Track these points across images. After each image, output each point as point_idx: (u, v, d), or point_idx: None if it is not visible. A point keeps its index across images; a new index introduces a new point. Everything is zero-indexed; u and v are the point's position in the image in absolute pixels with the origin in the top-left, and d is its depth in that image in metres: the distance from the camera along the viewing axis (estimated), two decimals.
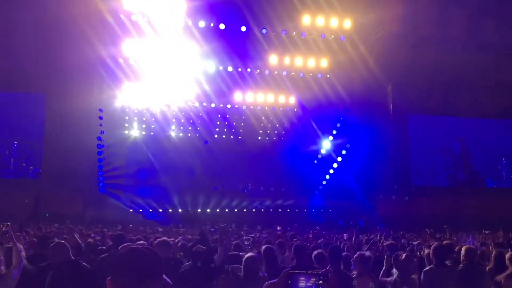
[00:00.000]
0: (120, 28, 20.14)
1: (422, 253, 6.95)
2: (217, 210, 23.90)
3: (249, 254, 5.16)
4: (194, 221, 19.35)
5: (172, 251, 6.24)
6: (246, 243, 8.05)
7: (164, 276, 2.13)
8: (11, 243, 5.52)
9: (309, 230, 14.90)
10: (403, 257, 5.67)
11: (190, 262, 5.72)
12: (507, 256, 5.60)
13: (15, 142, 21.95)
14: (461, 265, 5.49)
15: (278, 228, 13.86)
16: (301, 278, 2.56)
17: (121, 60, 20.95)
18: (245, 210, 24.33)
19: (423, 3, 22.43)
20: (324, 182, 25.26)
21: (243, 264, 4.97)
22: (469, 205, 23.25)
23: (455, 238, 10.70)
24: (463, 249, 5.71)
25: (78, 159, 19.91)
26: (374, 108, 23.88)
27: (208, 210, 23.75)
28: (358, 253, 5.83)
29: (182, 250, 6.90)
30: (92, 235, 8.48)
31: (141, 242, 6.29)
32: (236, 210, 24.16)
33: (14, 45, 19.38)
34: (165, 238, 6.62)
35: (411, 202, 24.16)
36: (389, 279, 5.76)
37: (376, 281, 5.60)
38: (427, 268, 5.50)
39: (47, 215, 19.76)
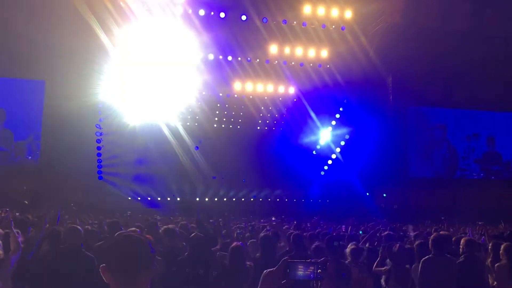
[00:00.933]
0: (120, 15, 20.01)
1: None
2: (215, 199, 23.94)
3: (234, 244, 5.23)
4: (192, 210, 19.36)
5: (176, 240, 6.25)
6: (238, 231, 8.09)
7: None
8: (8, 230, 5.53)
9: (306, 220, 14.94)
10: (396, 247, 5.70)
11: (188, 252, 5.73)
12: (502, 247, 5.63)
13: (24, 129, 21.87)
14: (461, 256, 5.51)
15: (273, 219, 13.87)
16: (299, 267, 2.56)
17: (121, 48, 20.83)
18: (243, 199, 24.37)
19: None
20: (322, 173, 25.30)
21: (228, 253, 5.04)
22: (469, 197, 23.26)
23: (451, 230, 10.74)
24: (462, 240, 5.73)
25: (77, 146, 19.91)
26: (374, 99, 23.84)
27: (206, 199, 23.79)
28: (350, 244, 5.87)
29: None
30: (90, 222, 8.49)
31: (133, 229, 6.30)
32: (234, 199, 24.22)
33: (14, 31, 19.26)
34: (170, 226, 6.64)
35: (410, 193, 24.18)
36: (383, 268, 5.79)
37: (368, 271, 5.63)
38: (426, 257, 5.51)
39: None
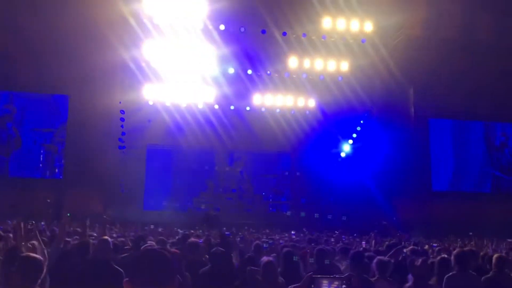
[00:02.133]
0: (142, 30, 20.42)
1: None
2: (235, 212, 23.93)
3: (267, 258, 5.16)
4: (214, 224, 19.38)
5: (199, 253, 6.24)
6: (264, 245, 7.96)
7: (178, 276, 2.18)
8: (35, 241, 5.63)
9: (328, 234, 14.78)
10: (418, 262, 5.58)
11: (209, 265, 5.73)
12: None
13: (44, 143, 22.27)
14: (491, 272, 5.38)
15: (293, 233, 13.68)
16: (324, 282, 2.55)
17: (143, 63, 21.21)
18: (264, 213, 24.29)
19: (446, 6, 22.15)
20: (343, 186, 25.03)
21: (261, 268, 4.97)
22: (494, 211, 22.70)
23: (473, 243, 10.49)
24: (494, 257, 5.60)
25: (100, 159, 20.20)
26: (395, 111, 23.59)
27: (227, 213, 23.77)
28: (377, 258, 5.76)
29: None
30: (114, 235, 8.54)
31: (151, 243, 6.31)
32: (253, 213, 24.13)
33: (39, 48, 19.81)
34: (194, 239, 6.66)
35: (433, 207, 23.72)
36: (406, 285, 5.67)
37: (394, 286, 5.53)
38: (450, 274, 5.40)
39: (68, 214, 20.02)
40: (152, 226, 13.96)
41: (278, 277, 4.92)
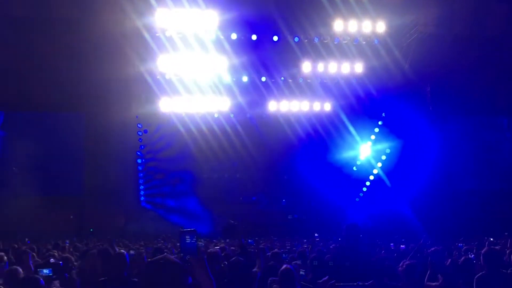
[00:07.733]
0: (156, 44, 20.59)
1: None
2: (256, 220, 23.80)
3: (285, 266, 5.10)
4: (234, 233, 19.30)
5: (219, 263, 6.20)
6: (284, 255, 7.79)
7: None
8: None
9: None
10: (448, 262, 5.42)
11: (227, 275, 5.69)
12: None
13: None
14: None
15: (316, 235, 13.48)
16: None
17: (158, 76, 21.35)
18: (289, 218, 24.12)
19: (458, 2, 21.82)
20: (364, 189, 24.76)
21: (278, 276, 4.91)
22: None
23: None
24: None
25: (119, 174, 20.36)
26: (413, 110, 23.27)
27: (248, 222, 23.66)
28: (403, 262, 5.59)
29: None
30: (131, 252, 8.49)
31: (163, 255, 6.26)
32: (274, 219, 23.96)
33: (54, 65, 20.03)
34: (213, 249, 6.63)
35: (457, 206, 23.19)
36: (433, 284, 5.51)
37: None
38: (480, 274, 5.21)
39: (91, 230, 20.27)
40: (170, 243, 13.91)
41: (297, 285, 4.83)
